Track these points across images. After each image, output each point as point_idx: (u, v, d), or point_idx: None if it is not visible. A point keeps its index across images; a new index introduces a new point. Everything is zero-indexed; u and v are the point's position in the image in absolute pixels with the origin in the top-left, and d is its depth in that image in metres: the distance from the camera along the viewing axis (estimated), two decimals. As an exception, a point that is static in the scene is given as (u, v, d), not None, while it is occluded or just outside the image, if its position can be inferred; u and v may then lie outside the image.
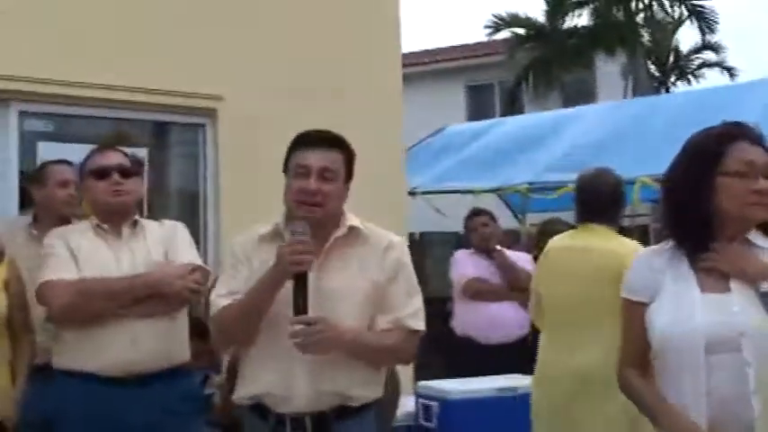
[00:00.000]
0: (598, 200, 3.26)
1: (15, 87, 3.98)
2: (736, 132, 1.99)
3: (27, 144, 4.12)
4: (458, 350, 5.00)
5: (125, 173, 2.84)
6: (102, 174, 2.82)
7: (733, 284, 1.93)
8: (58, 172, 3.28)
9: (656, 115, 7.52)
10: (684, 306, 1.92)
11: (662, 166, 6.27)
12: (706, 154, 1.98)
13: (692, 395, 1.87)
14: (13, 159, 4.05)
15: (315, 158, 2.30)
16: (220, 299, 2.32)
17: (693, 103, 7.65)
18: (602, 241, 3.22)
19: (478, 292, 5.00)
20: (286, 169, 2.37)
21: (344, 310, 2.31)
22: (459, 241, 8.30)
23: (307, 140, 2.35)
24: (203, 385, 3.72)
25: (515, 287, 5.00)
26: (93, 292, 2.65)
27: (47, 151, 4.16)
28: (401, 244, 2.45)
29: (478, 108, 16.66)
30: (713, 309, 1.90)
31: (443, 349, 5.42)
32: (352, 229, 2.38)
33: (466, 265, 5.08)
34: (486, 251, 5.11)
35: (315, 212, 2.30)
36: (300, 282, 2.23)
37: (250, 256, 2.34)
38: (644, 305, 2.00)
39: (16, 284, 2.73)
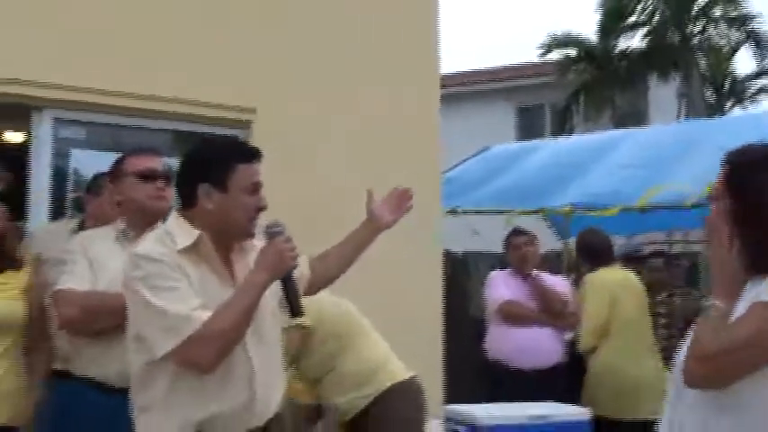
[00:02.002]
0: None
1: (50, 95, 3.99)
2: None
3: (61, 151, 4.13)
4: (488, 373, 4.85)
5: (168, 179, 2.84)
6: (149, 176, 2.82)
7: None
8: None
9: (709, 137, 7.26)
10: None
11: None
12: None
13: None
14: (47, 167, 4.05)
15: (259, 174, 2.31)
16: (199, 312, 2.15)
17: (749, 123, 7.39)
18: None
19: (511, 314, 4.85)
20: (215, 182, 2.25)
21: (269, 320, 2.34)
22: (501, 261, 8.19)
23: (254, 155, 2.31)
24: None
25: (550, 312, 4.85)
26: (98, 308, 2.64)
27: (80, 159, 4.18)
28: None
29: (528, 129, 16.52)
30: None
31: (479, 370, 5.29)
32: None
33: (501, 287, 4.94)
34: (523, 272, 4.97)
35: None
36: (291, 281, 2.22)
37: (185, 271, 2.20)
38: None
39: (37, 290, 2.70)
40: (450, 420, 4.05)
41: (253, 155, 2.30)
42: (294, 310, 2.23)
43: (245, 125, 4.47)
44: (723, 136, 7.15)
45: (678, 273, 6.61)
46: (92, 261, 2.73)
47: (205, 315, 2.13)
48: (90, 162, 4.16)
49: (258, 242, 2.32)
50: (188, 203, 2.29)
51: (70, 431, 2.68)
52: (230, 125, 4.43)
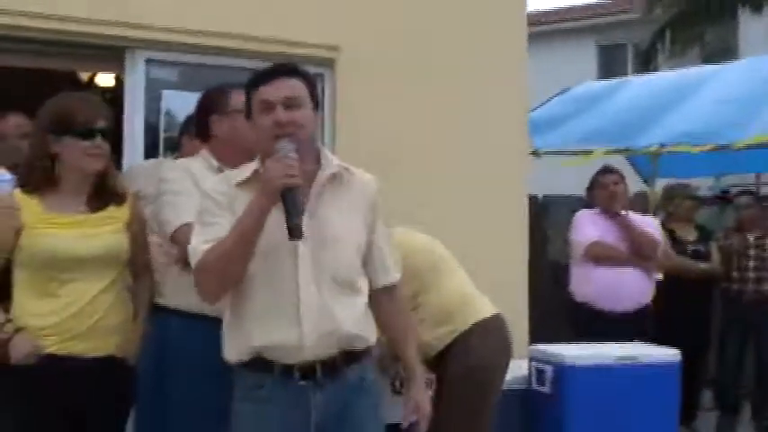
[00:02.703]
0: None
1: (142, 35, 4.05)
2: None
3: (153, 93, 4.20)
4: (575, 315, 4.79)
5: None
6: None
7: None
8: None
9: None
10: None
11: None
12: None
13: None
14: (140, 107, 4.14)
15: (273, 91, 2.23)
16: (202, 245, 2.18)
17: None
18: None
19: (600, 256, 4.75)
20: (249, 115, 2.29)
21: (345, 258, 2.28)
22: (583, 205, 8.02)
23: (261, 77, 2.27)
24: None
25: (640, 253, 4.75)
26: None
27: (171, 100, 4.25)
28: (377, 183, 2.42)
29: (610, 68, 16.01)
30: None
31: (559, 314, 5.25)
32: (340, 166, 2.33)
33: (588, 227, 4.83)
34: (611, 212, 4.85)
35: (298, 135, 2.21)
36: (289, 199, 2.10)
37: (232, 203, 2.22)
38: None
39: (138, 224, 2.78)
40: (535, 360, 4.04)
41: (264, 76, 2.28)
42: (290, 230, 2.11)
43: (330, 63, 4.47)
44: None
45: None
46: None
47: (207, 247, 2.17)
48: (182, 104, 4.23)
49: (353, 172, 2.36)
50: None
51: (178, 362, 2.79)
52: (315, 62, 4.43)
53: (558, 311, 5.42)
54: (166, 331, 2.86)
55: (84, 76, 6.22)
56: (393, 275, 2.47)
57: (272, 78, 2.27)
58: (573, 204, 8.33)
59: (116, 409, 2.71)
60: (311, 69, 4.33)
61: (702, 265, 5.67)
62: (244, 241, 2.14)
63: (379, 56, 4.50)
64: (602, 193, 4.89)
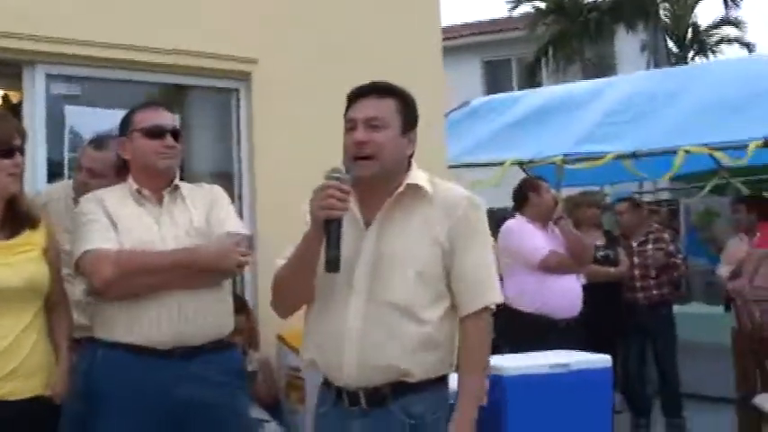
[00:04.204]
0: None
1: (42, 48, 3.76)
2: None
3: (54, 108, 3.91)
4: (518, 325, 4.66)
5: (176, 135, 2.68)
6: (156, 133, 2.64)
7: None
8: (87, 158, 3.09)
9: (695, 84, 7.26)
10: None
11: (705, 135, 5.99)
12: None
13: None
14: (42, 125, 3.84)
15: (359, 109, 2.18)
16: (278, 261, 2.23)
17: (732, 72, 7.39)
18: None
19: (561, 265, 4.69)
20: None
21: (403, 282, 2.13)
22: (499, 216, 8.11)
23: (353, 95, 2.22)
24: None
25: (583, 259, 4.77)
26: (136, 267, 2.48)
27: (74, 115, 3.97)
28: (472, 201, 2.22)
29: (495, 84, 16.45)
30: None
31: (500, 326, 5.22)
32: (413, 186, 2.18)
33: (535, 237, 4.74)
34: (544, 221, 4.82)
35: (369, 167, 2.13)
36: (333, 231, 2.04)
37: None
38: None
39: (54, 254, 2.54)
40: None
41: (354, 95, 2.23)
42: (327, 261, 2.05)
43: (245, 76, 4.30)
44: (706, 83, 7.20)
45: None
46: (112, 217, 2.57)
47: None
48: (84, 119, 3.97)
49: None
50: None
51: (112, 399, 2.55)
52: (230, 77, 4.25)
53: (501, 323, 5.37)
54: (92, 364, 2.61)
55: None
56: (472, 305, 2.19)
57: (362, 96, 2.20)
58: (490, 216, 8.44)
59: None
60: (225, 83, 4.29)
61: (612, 270, 5.81)
62: (298, 265, 2.13)
63: (295, 69, 4.36)
64: (543, 200, 4.81)
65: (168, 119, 2.71)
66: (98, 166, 3.00)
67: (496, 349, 4.22)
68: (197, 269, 2.51)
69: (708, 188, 7.39)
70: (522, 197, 4.88)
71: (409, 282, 2.13)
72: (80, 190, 2.95)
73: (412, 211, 2.18)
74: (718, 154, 6.40)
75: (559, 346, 4.16)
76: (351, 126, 2.17)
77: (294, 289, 2.18)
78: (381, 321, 2.12)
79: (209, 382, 2.53)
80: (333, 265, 2.04)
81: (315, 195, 2.05)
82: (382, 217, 2.17)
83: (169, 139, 2.65)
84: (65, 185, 3.30)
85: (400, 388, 2.12)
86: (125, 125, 2.72)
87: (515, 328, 4.53)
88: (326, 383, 2.23)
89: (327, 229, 2.04)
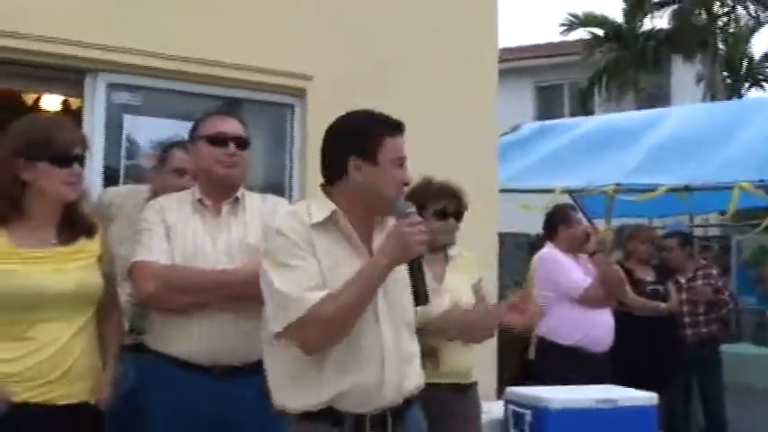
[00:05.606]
0: None
1: (105, 57, 3.84)
2: None
3: (114, 117, 3.97)
4: (556, 358, 4.62)
5: (241, 144, 2.67)
6: (219, 140, 2.64)
7: None
8: (177, 159, 3.13)
9: (751, 118, 7.10)
10: None
11: (762, 170, 5.82)
12: None
13: None
14: (101, 133, 3.90)
15: (402, 147, 2.22)
16: (310, 293, 2.08)
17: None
18: None
19: (596, 300, 4.64)
20: (365, 154, 2.16)
21: (407, 301, 2.25)
22: (531, 242, 8.01)
23: (398, 127, 2.21)
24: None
25: (611, 293, 4.70)
26: (178, 285, 2.51)
27: (132, 125, 4.04)
28: None
29: (547, 109, 16.34)
30: None
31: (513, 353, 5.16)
32: None
33: (574, 270, 4.70)
34: (585, 252, 4.76)
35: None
36: (417, 266, 2.12)
37: (310, 243, 2.14)
38: None
39: (108, 262, 2.56)
40: (512, 403, 3.91)
41: (398, 127, 2.21)
42: (419, 297, 2.14)
43: (301, 93, 4.32)
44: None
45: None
46: (169, 228, 2.59)
47: (317, 296, 2.06)
48: (143, 128, 4.03)
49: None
50: (333, 177, 2.21)
51: (152, 406, 2.57)
52: (286, 92, 4.27)
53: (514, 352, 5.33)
54: (142, 375, 2.64)
55: (29, 98, 5.89)
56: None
57: (401, 133, 2.23)
58: (521, 243, 8.35)
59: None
60: (282, 99, 4.32)
61: (663, 305, 5.69)
62: (361, 303, 2.09)
63: (349, 86, 4.36)
64: (572, 232, 4.78)
65: (234, 127, 2.68)
66: (188, 166, 3.01)
67: (530, 382, 4.21)
68: (236, 292, 2.49)
69: (763, 225, 7.20)
70: (553, 227, 4.83)
71: (410, 300, 2.22)
72: (168, 190, 2.94)
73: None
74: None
75: (596, 380, 4.09)
76: (402, 162, 2.20)
77: (353, 323, 2.12)
78: (404, 338, 2.23)
79: (244, 402, 2.52)
80: (425, 299, 2.15)
81: (411, 231, 2.07)
82: (377, 244, 2.20)
83: (232, 148, 2.63)
84: (134, 190, 3.33)
85: (409, 401, 2.25)
86: (193, 132, 2.73)
87: (551, 361, 4.49)
88: (332, 418, 2.13)
89: (413, 265, 2.12)
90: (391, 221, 2.22)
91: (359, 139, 2.17)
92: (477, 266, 3.38)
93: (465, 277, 3.24)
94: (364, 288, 2.08)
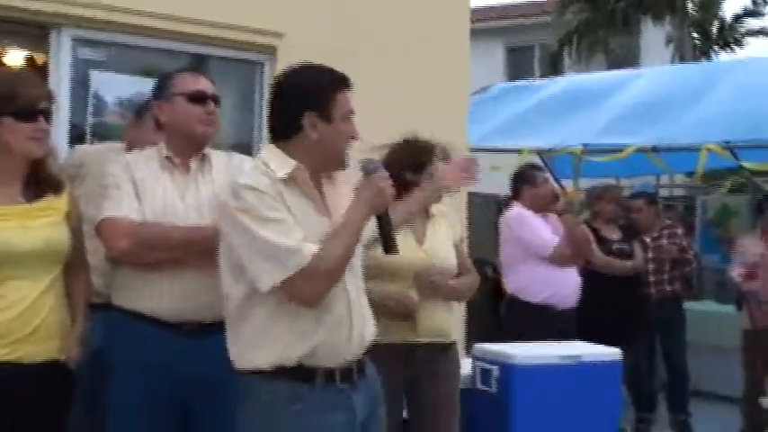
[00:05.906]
0: None
1: (69, 11, 3.75)
2: None
3: (80, 73, 3.90)
4: (523, 315, 4.70)
5: (217, 102, 2.66)
6: (199, 98, 2.61)
7: None
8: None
9: (721, 80, 7.16)
10: None
11: (729, 132, 5.91)
12: None
13: None
14: (66, 90, 3.84)
15: (350, 101, 2.24)
16: (306, 246, 2.09)
17: (759, 70, 7.28)
18: None
19: (564, 258, 4.69)
20: (320, 111, 2.16)
21: (359, 252, 2.31)
22: (499, 203, 8.06)
23: (347, 82, 2.23)
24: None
25: (583, 253, 4.76)
26: (151, 241, 2.50)
27: (99, 81, 3.97)
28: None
29: (517, 70, 16.32)
30: None
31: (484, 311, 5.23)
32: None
33: (542, 229, 4.73)
34: (545, 211, 4.81)
35: None
36: (386, 217, 2.24)
37: (280, 197, 2.14)
38: None
39: (76, 220, 2.54)
40: (479, 359, 3.97)
41: (347, 82, 2.23)
42: (388, 246, 2.23)
43: (271, 51, 4.28)
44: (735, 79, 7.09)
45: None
46: (137, 185, 2.57)
47: (314, 248, 2.09)
48: (110, 85, 3.97)
49: (346, 175, 2.29)
50: (286, 133, 2.19)
51: (119, 364, 2.57)
52: (256, 50, 4.22)
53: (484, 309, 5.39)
54: (110, 332, 2.63)
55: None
56: None
57: (349, 88, 2.24)
58: (489, 203, 8.39)
59: (55, 416, 2.46)
60: (250, 56, 4.27)
61: (629, 264, 5.79)
62: (350, 255, 2.15)
63: (322, 44, 4.32)
64: (537, 191, 4.81)
65: (209, 85, 2.68)
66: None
67: (502, 339, 4.28)
68: (208, 248, 2.46)
69: (727, 186, 7.33)
70: (518, 187, 4.87)
71: (358, 252, 2.28)
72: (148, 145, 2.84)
73: (337, 191, 2.30)
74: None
75: (563, 336, 4.17)
76: (350, 117, 2.23)
77: (341, 276, 2.16)
78: (360, 293, 2.28)
79: (215, 358, 2.46)
80: (395, 247, 2.24)
81: (379, 185, 2.16)
82: (329, 199, 2.25)
83: (211, 106, 2.63)
84: (106, 148, 3.30)
85: (366, 353, 2.30)
86: (163, 88, 2.68)
87: (521, 318, 4.57)
88: (303, 375, 2.14)
89: (383, 215, 2.20)
90: (340, 176, 2.29)
91: (314, 96, 2.16)
92: (459, 223, 3.43)
93: (447, 234, 3.26)
94: (353, 237, 2.14)
